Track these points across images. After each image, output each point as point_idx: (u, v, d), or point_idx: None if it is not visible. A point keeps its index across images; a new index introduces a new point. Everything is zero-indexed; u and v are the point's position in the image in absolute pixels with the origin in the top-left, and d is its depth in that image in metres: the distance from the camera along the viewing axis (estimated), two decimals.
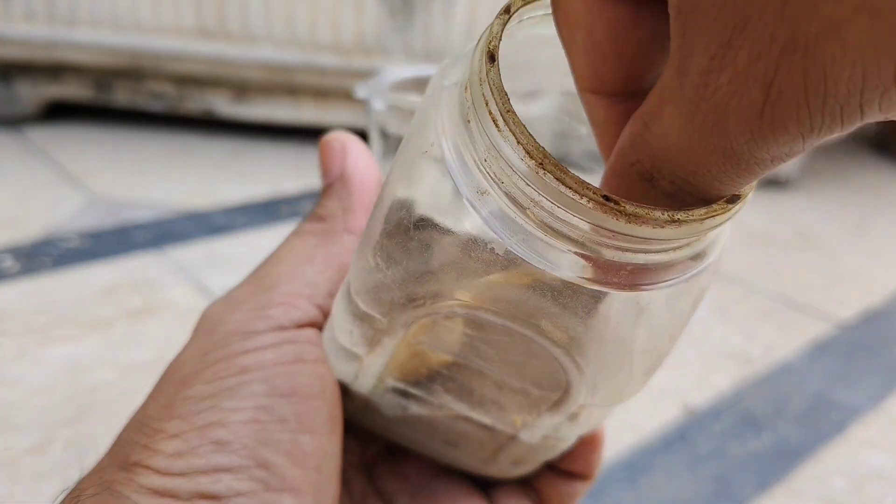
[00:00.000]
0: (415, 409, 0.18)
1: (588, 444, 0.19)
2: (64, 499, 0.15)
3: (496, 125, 0.12)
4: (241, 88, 0.76)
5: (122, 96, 0.77)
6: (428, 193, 0.14)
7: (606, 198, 0.11)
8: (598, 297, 0.13)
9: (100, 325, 0.46)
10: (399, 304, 0.15)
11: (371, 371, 0.17)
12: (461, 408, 0.17)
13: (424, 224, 0.14)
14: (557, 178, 0.12)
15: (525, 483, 0.20)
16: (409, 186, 0.14)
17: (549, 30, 0.14)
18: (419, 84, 0.33)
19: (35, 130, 0.77)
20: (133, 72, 0.74)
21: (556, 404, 0.16)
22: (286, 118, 0.78)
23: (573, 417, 0.17)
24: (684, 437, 0.40)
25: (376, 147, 0.31)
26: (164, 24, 0.71)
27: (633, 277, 0.13)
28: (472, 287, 0.14)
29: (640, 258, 0.13)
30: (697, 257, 0.14)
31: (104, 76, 0.75)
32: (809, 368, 0.48)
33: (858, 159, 0.98)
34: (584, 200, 0.12)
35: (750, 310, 0.55)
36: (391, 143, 0.30)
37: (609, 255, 0.12)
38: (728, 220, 0.13)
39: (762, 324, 0.53)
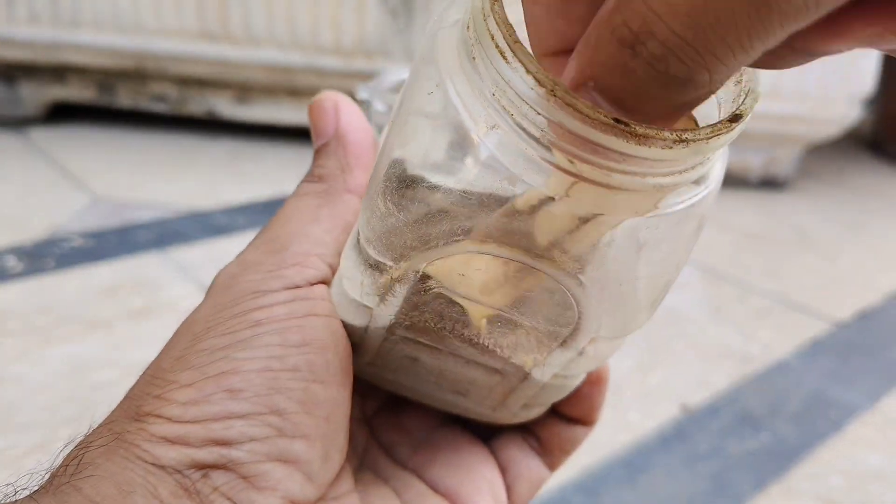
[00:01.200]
0: (425, 358, 0.18)
1: (591, 386, 0.19)
2: (70, 451, 0.15)
3: (504, 57, 0.12)
4: (243, 90, 0.77)
5: (124, 98, 0.77)
6: (433, 138, 0.14)
7: (617, 120, 0.12)
8: (597, 230, 0.13)
9: (102, 325, 0.46)
10: (411, 247, 0.15)
11: (381, 322, 0.17)
12: (472, 353, 0.17)
13: (432, 166, 0.14)
14: (569, 104, 0.12)
15: (526, 431, 0.20)
16: (414, 135, 0.14)
17: None
18: None
19: (38, 131, 0.77)
20: (136, 73, 0.75)
21: (567, 339, 0.16)
22: (288, 119, 0.78)
23: (583, 352, 0.17)
24: (682, 436, 0.40)
25: (378, 147, 0.31)
26: (167, 26, 0.71)
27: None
28: (484, 223, 0.14)
29: (648, 180, 0.13)
30: (699, 181, 0.14)
31: (107, 78, 0.76)
32: (806, 368, 0.48)
33: (855, 160, 0.98)
34: (594, 123, 0.12)
35: (747, 309, 0.55)
36: None
37: (618, 179, 0.12)
38: (731, 139, 0.13)
39: (759, 323, 0.53)
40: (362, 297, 0.17)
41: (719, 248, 0.66)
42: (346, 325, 0.17)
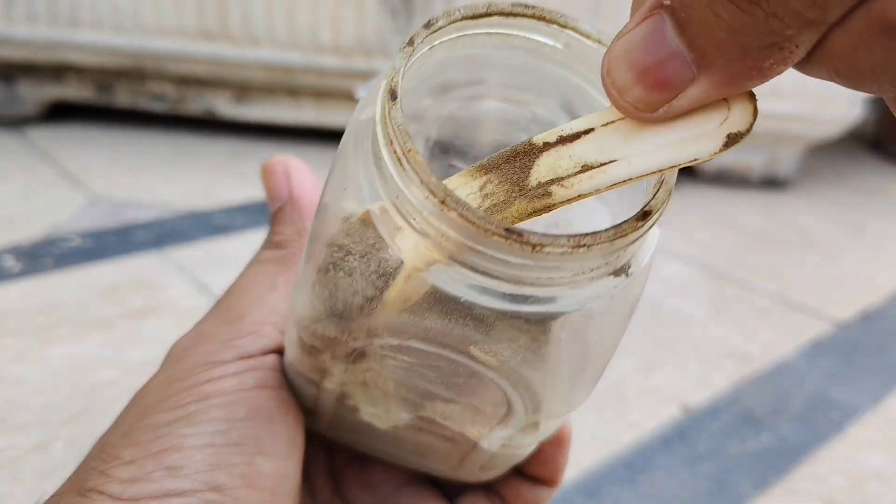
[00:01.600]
0: (379, 424, 0.18)
1: (554, 447, 0.19)
2: None
3: (400, 164, 0.12)
4: (242, 89, 0.76)
5: (123, 97, 0.77)
6: (350, 232, 0.14)
7: (509, 230, 0.11)
8: (522, 325, 0.13)
9: (101, 325, 0.46)
10: (335, 339, 0.15)
11: (329, 395, 0.17)
12: (421, 423, 0.17)
13: (349, 262, 0.14)
14: (461, 216, 0.12)
15: (491, 489, 0.20)
16: (332, 225, 0.14)
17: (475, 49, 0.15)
18: None
19: (37, 131, 0.77)
20: (134, 73, 0.75)
21: (504, 419, 0.16)
22: (287, 119, 0.78)
23: (525, 430, 0.17)
24: (683, 437, 0.40)
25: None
26: (166, 25, 0.71)
27: (548, 302, 0.13)
28: (401, 319, 0.14)
29: (555, 290, 0.13)
30: (620, 272, 0.13)
31: (106, 77, 0.76)
32: (808, 368, 0.48)
33: (856, 160, 0.98)
34: (488, 234, 0.12)
35: (748, 309, 0.55)
36: None
37: (528, 286, 0.12)
38: (641, 237, 0.13)
39: (761, 323, 0.53)
40: (306, 371, 0.17)
41: (721, 248, 0.66)
42: (298, 393, 0.17)
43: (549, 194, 0.13)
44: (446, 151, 0.19)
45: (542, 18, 0.15)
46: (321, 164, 0.70)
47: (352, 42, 0.72)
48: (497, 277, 0.13)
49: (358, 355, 0.15)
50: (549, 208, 0.13)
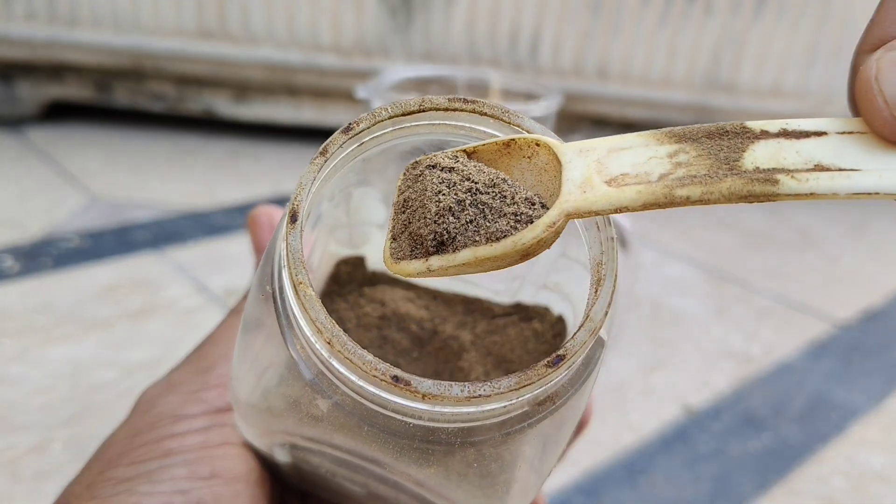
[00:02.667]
0: (338, 488, 0.18)
1: None
2: None
3: (295, 293, 0.12)
4: (242, 89, 0.76)
5: (122, 96, 0.77)
6: (269, 335, 0.13)
7: (396, 378, 0.11)
8: (432, 451, 0.13)
9: (100, 325, 0.46)
10: (259, 432, 0.15)
11: (284, 463, 0.17)
12: (375, 498, 0.17)
13: (266, 364, 0.14)
14: (347, 358, 0.11)
15: None
16: (256, 322, 0.14)
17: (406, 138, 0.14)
18: (419, 84, 0.33)
19: (35, 130, 0.77)
20: (133, 72, 0.74)
21: None
22: (286, 118, 0.78)
23: None
24: (684, 437, 0.40)
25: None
26: (165, 24, 0.71)
27: (462, 435, 0.12)
28: (313, 431, 0.14)
29: (465, 424, 0.12)
30: (545, 402, 0.13)
31: (105, 76, 0.75)
32: (809, 369, 0.48)
33: None
34: (373, 380, 0.11)
35: (750, 310, 0.55)
36: None
37: (433, 422, 0.12)
38: (551, 384, 0.12)
39: (762, 324, 0.53)
40: (254, 440, 0.16)
41: (722, 249, 0.66)
42: (262, 451, 0.17)
43: (776, 182, 0.12)
44: None
45: (482, 114, 0.14)
46: None
47: (351, 41, 0.72)
48: (397, 411, 0.12)
49: (291, 447, 0.15)
50: (771, 196, 0.12)
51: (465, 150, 0.13)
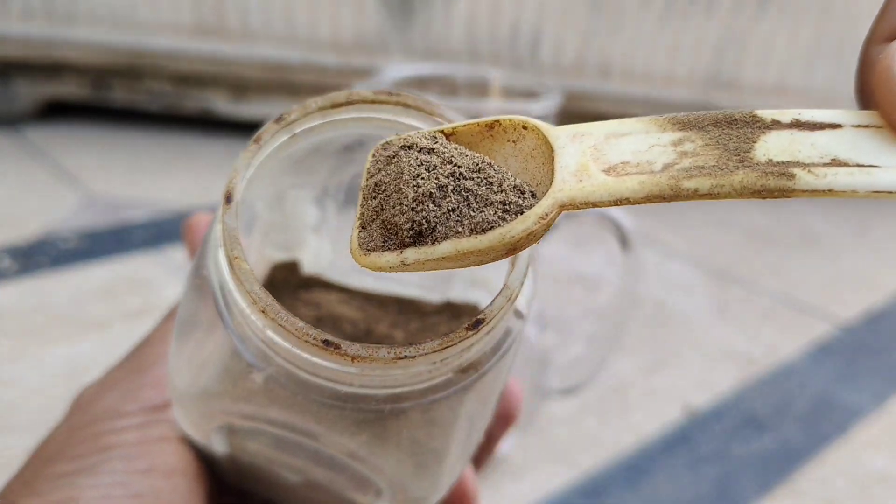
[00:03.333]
0: (276, 480, 0.18)
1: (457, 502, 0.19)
2: None
3: (230, 268, 0.12)
4: (240, 87, 0.76)
5: (119, 95, 0.76)
6: (205, 319, 0.14)
7: (327, 342, 0.11)
8: (364, 418, 0.13)
9: (98, 325, 0.45)
10: (197, 418, 0.15)
11: (221, 454, 0.17)
12: (312, 486, 0.17)
13: (202, 348, 0.14)
14: (280, 325, 0.12)
15: None
16: (193, 306, 0.14)
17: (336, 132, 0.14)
18: (419, 82, 0.32)
19: (32, 129, 0.76)
20: (131, 70, 0.74)
21: (378, 496, 0.16)
22: None
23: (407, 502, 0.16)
24: (686, 438, 0.40)
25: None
26: (163, 22, 0.70)
27: (391, 400, 0.13)
28: (248, 408, 0.14)
29: (393, 389, 0.12)
30: (467, 369, 0.13)
31: (102, 75, 0.75)
32: (811, 370, 0.48)
33: None
34: (307, 345, 0.12)
35: (751, 310, 0.55)
36: None
37: (362, 387, 0.12)
38: (474, 351, 0.13)
39: (764, 324, 0.53)
40: (192, 433, 0.17)
41: (724, 249, 0.66)
42: (200, 446, 0.17)
43: (791, 176, 0.11)
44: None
45: (405, 105, 0.14)
46: None
47: (350, 39, 0.71)
48: (329, 378, 0.12)
49: (229, 431, 0.15)
50: (787, 192, 0.11)
51: (442, 131, 0.13)
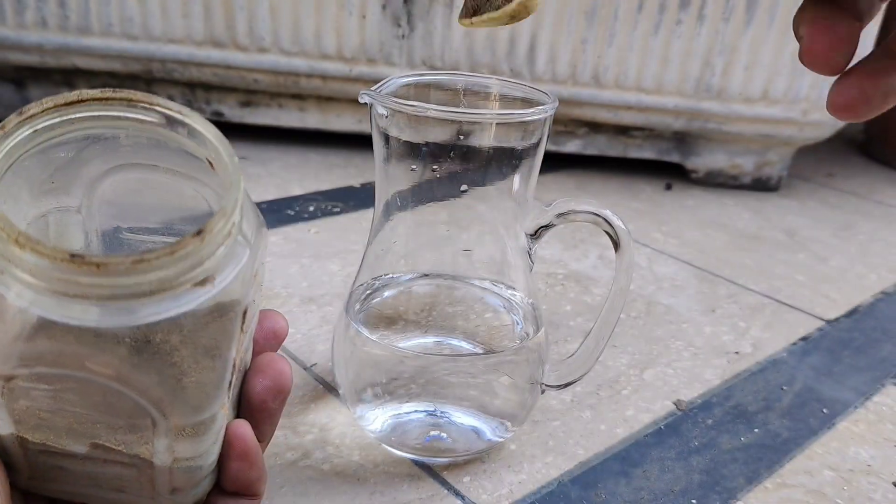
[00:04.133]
0: (69, 465, 0.19)
1: (239, 462, 0.20)
2: None
3: None
4: (249, 94, 0.78)
5: None
6: None
7: (73, 255, 0.14)
8: (121, 336, 0.15)
9: None
10: None
11: (10, 441, 0.18)
12: (99, 453, 0.18)
13: None
14: (32, 249, 0.14)
15: None
16: None
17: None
18: (420, 90, 0.34)
19: None
20: (143, 78, 0.76)
21: (154, 429, 0.18)
22: (292, 123, 0.79)
23: (179, 437, 0.18)
24: (676, 431, 0.41)
25: (379, 150, 0.32)
26: (174, 32, 0.72)
27: (139, 317, 0.15)
28: (14, 349, 0.15)
29: (139, 302, 0.14)
30: (204, 282, 0.16)
31: (115, 82, 0.77)
32: (798, 365, 0.49)
33: (845, 162, 0.99)
34: (56, 261, 0.13)
35: (740, 308, 0.56)
36: (393, 148, 0.32)
37: (112, 301, 0.14)
38: (202, 250, 0.15)
39: (752, 322, 0.54)
40: None
41: (712, 249, 0.67)
42: None
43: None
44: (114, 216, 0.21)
45: (129, 101, 0.17)
46: (325, 166, 0.73)
47: (355, 49, 0.73)
48: (82, 296, 0.14)
49: (6, 392, 0.16)
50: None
51: None
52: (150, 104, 0.17)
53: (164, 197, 0.20)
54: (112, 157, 0.19)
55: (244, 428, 0.20)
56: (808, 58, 0.18)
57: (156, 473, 0.19)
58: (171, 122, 0.18)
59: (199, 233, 0.15)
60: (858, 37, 0.18)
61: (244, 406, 0.22)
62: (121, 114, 0.17)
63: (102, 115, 0.17)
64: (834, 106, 0.18)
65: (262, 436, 0.22)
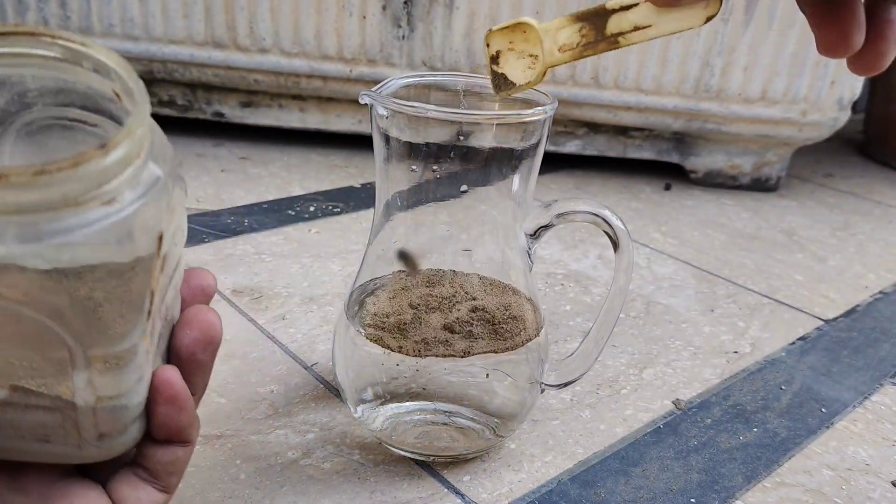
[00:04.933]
0: None
1: (165, 406, 0.20)
2: None
3: None
4: (250, 95, 0.78)
5: None
6: None
7: None
8: (37, 255, 0.15)
9: None
10: None
11: None
12: (20, 397, 0.18)
13: None
14: None
15: (135, 464, 0.21)
16: None
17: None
18: (420, 90, 0.34)
19: None
20: (145, 78, 0.76)
21: (73, 362, 0.17)
22: (292, 123, 0.79)
23: (102, 371, 0.18)
24: (676, 431, 0.41)
25: (379, 151, 0.32)
26: (175, 33, 0.72)
27: (47, 235, 0.15)
28: None
29: (45, 217, 0.14)
30: (109, 202, 0.15)
31: None
32: (797, 364, 0.50)
33: (843, 162, 1.00)
34: None
35: (739, 308, 0.57)
36: (393, 148, 0.32)
37: (18, 215, 0.14)
38: (105, 167, 0.15)
39: (750, 321, 0.55)
40: None
41: (711, 248, 0.67)
42: None
43: (618, 43, 0.25)
44: None
45: (31, 34, 0.17)
46: (325, 166, 0.73)
47: (355, 50, 0.73)
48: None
49: None
50: (616, 47, 0.25)
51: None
52: (54, 37, 0.17)
53: (73, 149, 0.19)
54: (21, 105, 0.18)
55: (170, 372, 0.20)
56: (823, 50, 0.22)
57: (79, 416, 0.18)
58: (76, 55, 0.17)
59: (102, 146, 0.15)
60: (860, 13, 0.21)
61: (174, 360, 0.21)
62: (25, 50, 0.17)
63: (6, 52, 0.17)
64: (823, 45, 0.22)
65: (195, 388, 0.21)
